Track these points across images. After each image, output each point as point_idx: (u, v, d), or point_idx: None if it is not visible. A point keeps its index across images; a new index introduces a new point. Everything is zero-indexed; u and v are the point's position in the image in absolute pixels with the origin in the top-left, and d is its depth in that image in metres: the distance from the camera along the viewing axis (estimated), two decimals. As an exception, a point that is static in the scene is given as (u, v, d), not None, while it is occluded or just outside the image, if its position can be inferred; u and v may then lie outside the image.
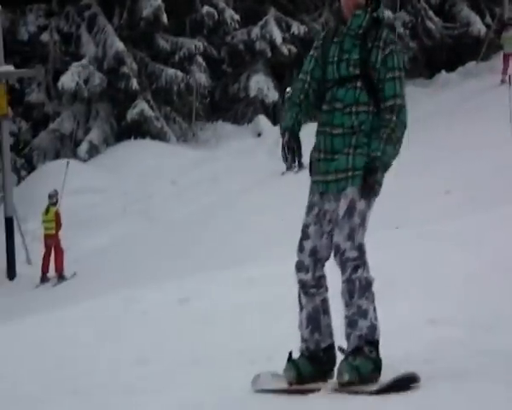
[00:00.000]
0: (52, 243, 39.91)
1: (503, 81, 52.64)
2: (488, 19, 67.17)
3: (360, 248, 7.25)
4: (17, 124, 54.88)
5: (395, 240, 21.31)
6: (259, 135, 57.55)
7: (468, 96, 57.06)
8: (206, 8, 59.05)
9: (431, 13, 67.60)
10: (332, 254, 7.38)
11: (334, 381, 7.37)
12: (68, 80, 54.85)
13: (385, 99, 7.33)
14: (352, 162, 7.28)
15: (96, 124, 57.76)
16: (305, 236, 7.48)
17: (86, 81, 55.85)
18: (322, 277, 7.43)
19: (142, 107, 55.92)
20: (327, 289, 7.56)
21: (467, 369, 9.40)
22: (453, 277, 15.46)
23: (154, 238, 39.97)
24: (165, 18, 56.80)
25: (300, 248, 7.50)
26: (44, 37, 57.30)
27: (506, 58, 54.59)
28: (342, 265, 7.17)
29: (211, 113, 63.29)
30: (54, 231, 40.27)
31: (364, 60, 7.36)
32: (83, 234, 43.95)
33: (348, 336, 7.25)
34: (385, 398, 6.95)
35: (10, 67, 47.04)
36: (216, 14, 59.48)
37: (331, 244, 7.39)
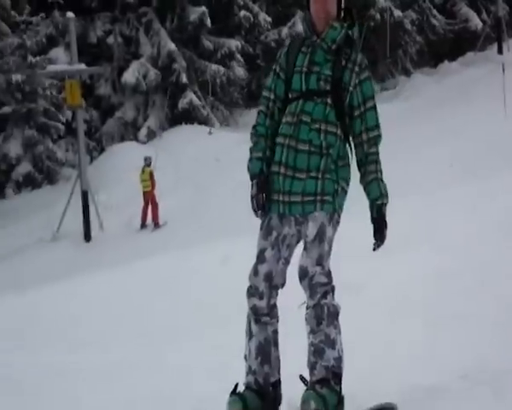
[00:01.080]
0: (149, 198, 43.44)
1: None
2: (484, 15, 70.47)
3: (329, 275, 6.70)
4: (89, 113, 57.68)
5: (409, 205, 22.68)
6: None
7: (467, 82, 58.57)
8: (243, 13, 62.72)
9: (435, 11, 71.03)
10: (298, 276, 6.77)
11: None
12: (130, 76, 58.67)
13: (368, 129, 6.77)
14: (322, 187, 6.66)
15: (152, 112, 61.17)
16: (260, 260, 6.80)
17: (144, 76, 59.13)
18: (275, 306, 6.90)
19: (190, 97, 59.06)
20: (278, 320, 6.98)
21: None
22: (455, 235, 17.51)
23: (203, 208, 42.24)
24: (208, 22, 60.51)
25: (255, 273, 6.79)
26: (110, 39, 61.44)
27: None
28: (311, 289, 6.62)
29: (248, 101, 64.85)
30: (150, 188, 43.73)
31: (337, 78, 6.74)
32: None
33: (313, 366, 6.60)
34: None
35: (83, 66, 48.78)
36: (251, 17, 62.81)
37: (286, 271, 6.83)
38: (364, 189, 6.72)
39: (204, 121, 59.45)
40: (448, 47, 71.08)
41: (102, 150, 56.99)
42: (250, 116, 56.19)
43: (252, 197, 6.67)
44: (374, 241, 6.68)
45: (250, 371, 6.72)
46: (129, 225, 46.12)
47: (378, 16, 65.16)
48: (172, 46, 59.61)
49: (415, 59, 70.46)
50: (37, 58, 55.89)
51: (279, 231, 6.67)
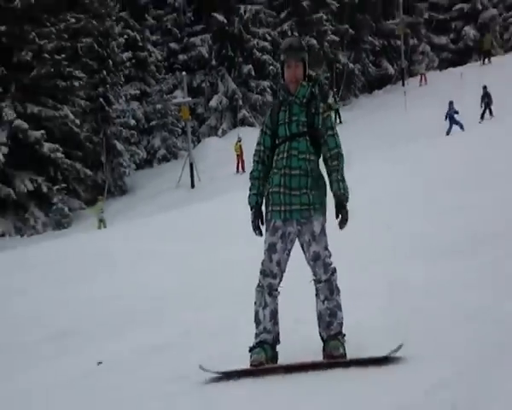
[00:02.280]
0: (239, 158, 59.76)
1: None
2: (395, 66, 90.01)
3: (331, 258, 8.03)
4: (193, 122, 72.46)
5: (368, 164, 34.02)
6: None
7: (386, 99, 79.67)
8: (271, 67, 79.26)
9: (370, 64, 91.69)
10: (309, 262, 8.07)
11: (321, 354, 7.99)
12: (213, 102, 78.03)
13: (330, 150, 8.04)
14: (312, 199, 7.91)
15: (224, 121, 78.27)
16: (272, 250, 7.98)
17: (220, 102, 77.66)
18: (280, 284, 8.10)
19: (243, 113, 77.13)
20: (279, 294, 8.17)
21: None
22: (389, 177, 27.13)
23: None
24: (252, 72, 79.96)
25: (270, 260, 7.99)
26: (202, 84, 80.00)
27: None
28: (324, 268, 7.94)
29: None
30: (239, 152, 59.82)
31: (310, 122, 8.02)
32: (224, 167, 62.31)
33: (331, 323, 7.91)
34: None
35: (189, 98, 67.59)
36: (275, 69, 76.36)
37: (288, 259, 8.11)
38: (331, 189, 8.10)
39: (251, 125, 75.91)
40: (377, 83, 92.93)
41: (199, 141, 74.85)
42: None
43: (252, 221, 8.27)
44: (338, 222, 8.10)
45: (265, 330, 8.04)
46: (212, 179, 62.64)
47: (341, 67, 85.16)
48: (234, 86, 79.57)
49: (360, 89, 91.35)
50: (168, 96, 74.72)
51: (284, 230, 7.98)
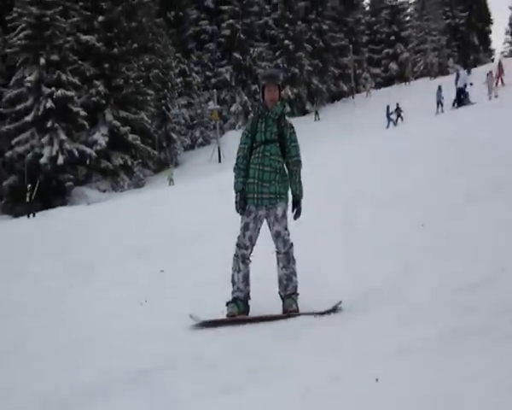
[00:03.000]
0: None
1: None
2: (347, 87, 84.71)
3: (290, 235, 7.63)
4: (219, 122, 66.40)
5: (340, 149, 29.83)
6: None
7: (343, 107, 76.69)
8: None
9: (332, 84, 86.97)
10: (273, 237, 7.65)
11: (280, 309, 7.53)
12: (233, 108, 76.12)
13: (291, 157, 7.57)
14: (279, 190, 7.46)
15: (240, 120, 74.56)
16: (246, 228, 7.58)
17: (236, 109, 75.41)
18: (251, 254, 7.67)
19: (251, 115, 68.79)
20: (251, 262, 7.72)
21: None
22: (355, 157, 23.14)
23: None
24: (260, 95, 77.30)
25: (243, 235, 7.60)
26: (226, 97, 77.35)
27: None
28: (283, 243, 7.53)
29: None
30: None
31: (280, 133, 7.50)
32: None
33: (287, 285, 7.52)
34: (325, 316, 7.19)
35: (218, 106, 66.41)
36: None
37: (258, 234, 7.69)
38: (290, 188, 7.66)
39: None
40: (336, 96, 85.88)
41: (223, 133, 67.82)
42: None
43: (236, 203, 7.64)
44: (293, 214, 7.69)
45: (238, 290, 7.64)
46: (231, 157, 57.89)
47: (314, 86, 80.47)
48: (246, 98, 76.91)
49: (325, 100, 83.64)
50: (204, 104, 71.44)
51: (255, 213, 7.54)
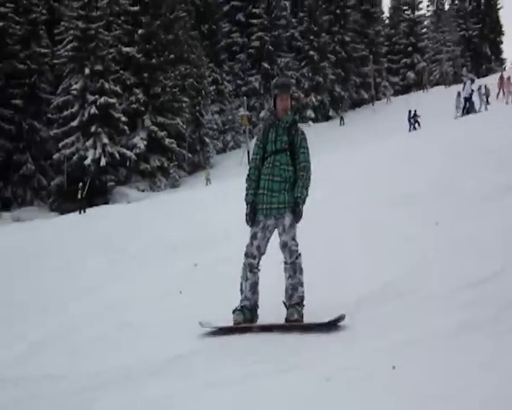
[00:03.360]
0: None
1: None
2: (368, 94, 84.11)
3: (298, 246, 7.04)
4: (249, 126, 65.87)
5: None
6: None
7: (364, 113, 76.30)
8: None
9: (353, 92, 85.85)
10: (280, 248, 7.11)
11: (282, 319, 6.97)
12: (262, 114, 73.23)
13: (300, 162, 7.04)
14: (288, 199, 6.97)
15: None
16: (254, 238, 7.13)
17: (265, 114, 68.01)
18: (260, 263, 7.18)
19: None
20: (260, 271, 7.22)
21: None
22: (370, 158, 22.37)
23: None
24: None
25: (251, 245, 7.15)
26: (256, 104, 76.69)
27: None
28: (290, 253, 6.97)
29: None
30: None
31: (290, 141, 7.04)
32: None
33: (292, 295, 6.97)
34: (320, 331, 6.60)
35: (248, 112, 66.05)
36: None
37: (267, 244, 7.21)
38: (294, 190, 7.03)
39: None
40: (358, 103, 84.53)
41: (253, 137, 61.06)
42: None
43: (246, 215, 7.17)
44: (293, 217, 7.04)
45: (246, 298, 7.12)
46: None
47: (336, 94, 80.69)
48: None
49: (348, 107, 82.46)
50: (235, 111, 71.34)
51: (264, 223, 7.06)
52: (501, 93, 48.47)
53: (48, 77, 59.17)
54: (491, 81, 54.02)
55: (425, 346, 5.71)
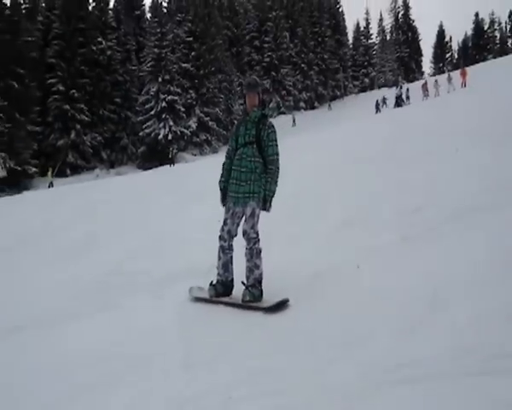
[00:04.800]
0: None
1: None
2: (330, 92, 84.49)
3: (257, 233, 5.39)
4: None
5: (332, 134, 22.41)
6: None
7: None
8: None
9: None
10: (241, 235, 5.47)
11: (238, 298, 5.25)
12: (271, 105, 68.47)
13: (268, 155, 5.41)
14: (252, 189, 5.37)
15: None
16: (225, 223, 5.51)
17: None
18: (232, 244, 5.56)
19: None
20: (233, 251, 5.58)
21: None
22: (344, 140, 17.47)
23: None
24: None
25: (223, 229, 5.51)
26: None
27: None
28: (248, 241, 5.37)
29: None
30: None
31: (257, 135, 5.41)
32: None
33: (248, 277, 5.38)
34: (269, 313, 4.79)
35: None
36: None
37: (237, 228, 5.55)
38: (263, 185, 5.39)
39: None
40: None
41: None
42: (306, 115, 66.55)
43: (221, 199, 5.61)
44: (256, 206, 5.38)
45: (219, 275, 5.59)
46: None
47: (319, 92, 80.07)
48: (278, 99, 72.61)
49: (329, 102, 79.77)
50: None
51: (233, 209, 5.48)
52: (424, 95, 44.10)
53: (136, 84, 58.22)
54: (415, 86, 51.79)
55: (380, 251, 5.60)
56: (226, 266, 5.58)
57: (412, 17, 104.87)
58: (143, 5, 68.04)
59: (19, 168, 41.98)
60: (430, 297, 4.05)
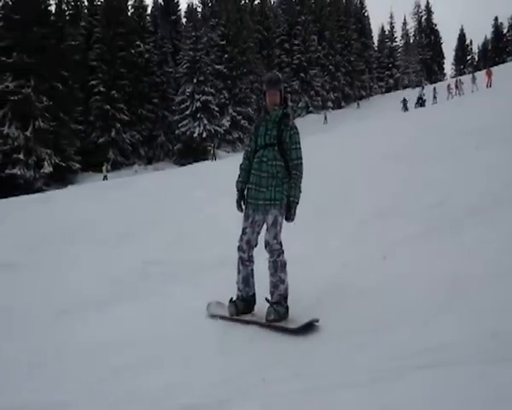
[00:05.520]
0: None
1: None
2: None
3: (281, 244, 4.71)
4: (294, 113, 54.22)
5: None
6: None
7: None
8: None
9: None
10: (263, 246, 4.75)
11: (261, 316, 4.65)
12: (300, 104, 71.39)
13: (291, 160, 4.70)
14: (274, 195, 4.73)
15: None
16: (244, 233, 4.83)
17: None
18: (252, 255, 4.88)
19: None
20: (253, 263, 4.92)
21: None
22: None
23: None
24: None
25: (241, 239, 4.84)
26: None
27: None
28: (271, 252, 4.68)
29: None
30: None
31: (279, 136, 4.72)
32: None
33: (272, 293, 4.70)
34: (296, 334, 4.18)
35: (290, 103, 68.46)
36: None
37: (257, 237, 4.89)
38: (287, 190, 4.72)
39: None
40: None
41: (294, 118, 67.64)
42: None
43: (236, 201, 4.86)
44: (288, 218, 4.73)
45: (239, 290, 4.89)
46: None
47: (345, 93, 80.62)
48: (307, 99, 72.73)
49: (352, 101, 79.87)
50: None
51: (253, 217, 4.81)
52: (449, 95, 42.91)
53: (172, 85, 57.90)
54: (439, 86, 51.14)
55: (405, 243, 5.60)
56: (247, 280, 4.94)
57: (434, 21, 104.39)
58: (179, 10, 68.36)
59: (63, 164, 42.55)
60: (453, 286, 4.06)
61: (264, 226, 4.81)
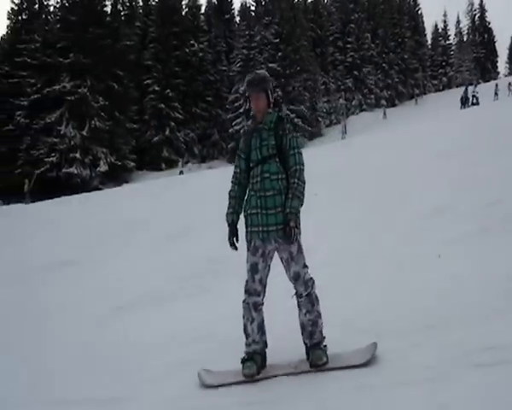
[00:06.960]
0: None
1: None
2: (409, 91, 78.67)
3: (309, 270, 3.86)
4: (347, 112, 61.96)
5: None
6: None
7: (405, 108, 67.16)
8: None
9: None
10: (291, 280, 3.84)
11: (305, 362, 3.71)
12: (354, 102, 68.39)
13: (290, 167, 3.80)
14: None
15: None
16: (255, 270, 3.82)
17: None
18: (265, 296, 3.92)
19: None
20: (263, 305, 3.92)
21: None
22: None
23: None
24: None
25: (253, 279, 3.83)
26: None
27: None
28: (304, 285, 3.78)
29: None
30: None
31: (278, 144, 3.85)
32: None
33: (313, 332, 3.79)
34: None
35: (344, 101, 68.64)
36: None
37: (268, 273, 3.91)
38: (285, 204, 3.72)
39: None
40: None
41: (347, 117, 60.67)
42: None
43: (228, 238, 3.87)
44: (284, 232, 3.66)
45: (254, 342, 3.89)
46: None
47: (399, 90, 76.11)
48: (360, 97, 69.05)
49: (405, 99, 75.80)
50: (337, 100, 65.03)
51: (263, 249, 3.80)
52: (509, 92, 40.74)
53: (226, 83, 56.92)
54: (500, 83, 47.68)
55: (460, 242, 5.63)
56: (262, 327, 3.96)
57: (488, 19, 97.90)
58: (233, 9, 67.15)
59: (119, 163, 41.75)
60: (510, 286, 4.12)
61: (276, 256, 3.88)
